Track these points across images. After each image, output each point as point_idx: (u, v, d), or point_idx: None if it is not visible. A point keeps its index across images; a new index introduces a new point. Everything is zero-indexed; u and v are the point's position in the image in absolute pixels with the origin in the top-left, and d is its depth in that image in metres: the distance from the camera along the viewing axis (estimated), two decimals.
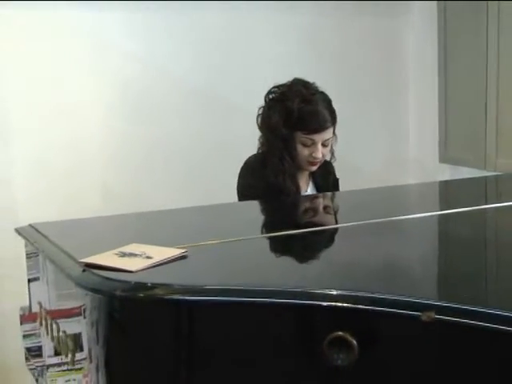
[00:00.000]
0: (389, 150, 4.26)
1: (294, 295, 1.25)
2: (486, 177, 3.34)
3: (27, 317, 2.03)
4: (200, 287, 1.32)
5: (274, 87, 2.54)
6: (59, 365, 2.00)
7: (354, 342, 1.16)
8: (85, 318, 1.45)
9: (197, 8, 3.51)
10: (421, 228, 1.93)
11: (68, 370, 1.96)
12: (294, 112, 2.44)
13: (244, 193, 2.52)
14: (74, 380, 1.87)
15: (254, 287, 1.30)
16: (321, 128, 2.45)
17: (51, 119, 3.34)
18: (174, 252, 1.49)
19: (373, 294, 1.20)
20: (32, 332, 2.09)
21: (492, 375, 1.14)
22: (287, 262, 1.70)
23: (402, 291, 1.22)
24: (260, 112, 2.55)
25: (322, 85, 2.55)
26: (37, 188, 3.30)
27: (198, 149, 3.64)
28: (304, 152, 2.48)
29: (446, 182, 3.46)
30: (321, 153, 2.48)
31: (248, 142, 2.60)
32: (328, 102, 2.51)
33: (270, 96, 2.54)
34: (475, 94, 3.77)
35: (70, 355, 1.55)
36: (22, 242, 1.93)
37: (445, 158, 4.13)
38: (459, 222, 1.97)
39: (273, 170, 2.48)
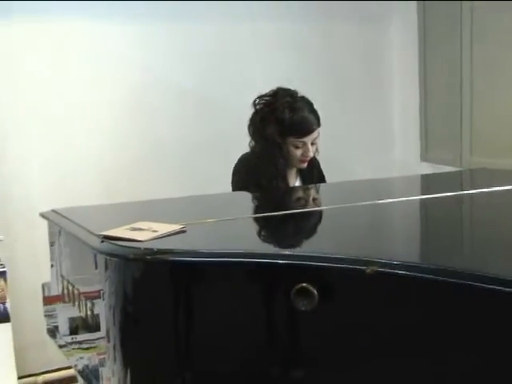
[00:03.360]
0: (375, 151, 4.55)
1: (271, 256, 1.59)
2: (460, 171, 3.68)
3: (51, 298, 2.32)
4: (195, 251, 1.65)
5: (259, 97, 2.81)
6: (71, 343, 2.30)
7: (315, 291, 1.48)
8: (103, 300, 1.75)
9: (192, 20, 3.83)
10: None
11: (80, 348, 2.24)
12: (286, 121, 2.74)
13: (238, 187, 2.81)
14: (82, 358, 2.15)
15: (237, 250, 1.63)
16: (310, 131, 2.77)
17: (56, 123, 3.64)
18: (175, 227, 1.81)
19: (326, 254, 1.52)
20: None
21: (432, 322, 1.42)
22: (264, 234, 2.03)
23: (353, 251, 1.55)
24: (251, 122, 2.82)
25: (309, 89, 2.81)
26: (48, 184, 3.61)
27: (192, 147, 3.92)
28: (297, 153, 2.79)
29: (426, 174, 3.76)
30: (312, 151, 2.81)
31: (237, 140, 2.85)
32: (311, 105, 2.81)
33: (258, 107, 2.81)
34: (451, 98, 4.10)
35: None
36: None
37: (425, 157, 4.46)
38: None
39: (267, 175, 2.76)
